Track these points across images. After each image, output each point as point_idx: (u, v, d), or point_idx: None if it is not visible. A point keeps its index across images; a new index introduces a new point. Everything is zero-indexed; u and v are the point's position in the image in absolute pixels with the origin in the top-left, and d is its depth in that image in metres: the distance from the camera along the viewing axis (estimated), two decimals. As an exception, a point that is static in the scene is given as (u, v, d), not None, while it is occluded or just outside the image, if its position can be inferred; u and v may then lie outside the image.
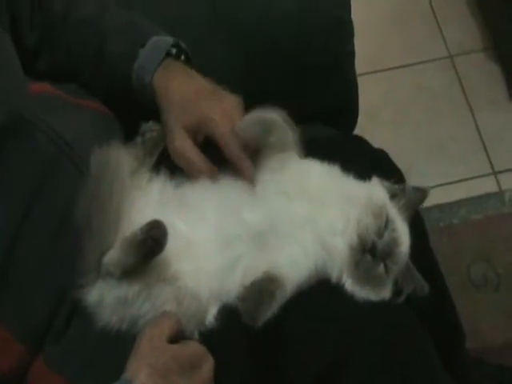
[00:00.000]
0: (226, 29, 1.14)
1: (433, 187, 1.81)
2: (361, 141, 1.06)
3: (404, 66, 2.09)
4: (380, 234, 0.84)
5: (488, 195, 1.77)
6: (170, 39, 1.01)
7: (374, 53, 2.11)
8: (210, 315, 0.83)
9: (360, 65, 2.07)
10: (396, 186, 0.90)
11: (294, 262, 0.82)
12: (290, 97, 1.06)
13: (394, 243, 0.85)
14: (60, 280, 0.82)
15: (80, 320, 0.82)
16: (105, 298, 0.81)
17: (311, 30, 1.13)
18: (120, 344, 0.81)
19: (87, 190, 0.82)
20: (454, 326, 1.12)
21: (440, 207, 1.77)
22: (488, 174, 1.85)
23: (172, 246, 0.80)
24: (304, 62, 1.14)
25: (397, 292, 0.87)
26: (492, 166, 1.86)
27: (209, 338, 0.83)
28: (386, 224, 0.85)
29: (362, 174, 0.91)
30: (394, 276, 0.86)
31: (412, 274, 0.88)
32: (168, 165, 0.92)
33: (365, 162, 0.96)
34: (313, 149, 0.93)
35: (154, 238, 0.77)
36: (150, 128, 0.92)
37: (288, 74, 1.14)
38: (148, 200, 0.88)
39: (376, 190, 0.89)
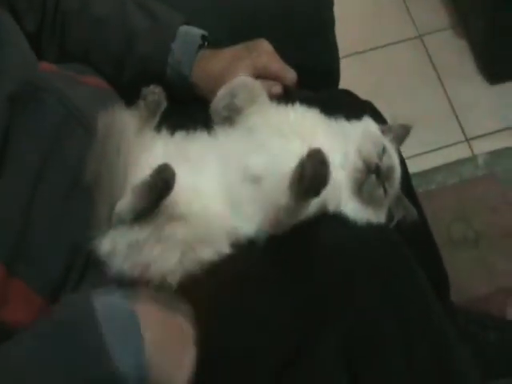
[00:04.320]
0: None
1: (410, 157, 1.92)
2: (347, 93, 1.14)
3: (377, 48, 2.19)
4: (381, 158, 0.93)
5: (462, 160, 1.86)
6: (196, 31, 1.11)
7: (351, 37, 2.20)
8: (220, 254, 0.88)
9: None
10: (384, 125, 1.00)
11: None
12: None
13: (391, 167, 0.94)
14: (74, 235, 0.88)
15: (94, 270, 0.87)
16: (117, 245, 0.85)
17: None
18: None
19: (96, 149, 0.88)
20: (442, 276, 1.20)
21: (418, 175, 1.85)
22: (461, 142, 1.94)
23: (179, 192, 0.85)
24: (288, 27, 1.23)
25: (389, 217, 0.95)
26: (464, 134, 1.96)
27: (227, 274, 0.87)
28: (384, 151, 0.94)
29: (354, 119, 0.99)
30: (390, 198, 0.94)
31: (402, 200, 0.96)
32: (169, 124, 0.98)
33: (352, 112, 1.03)
34: (306, 102, 1.00)
35: (163, 179, 0.82)
36: (151, 91, 0.96)
37: (272, 39, 1.20)
38: (152, 156, 0.92)
39: (370, 124, 0.98)
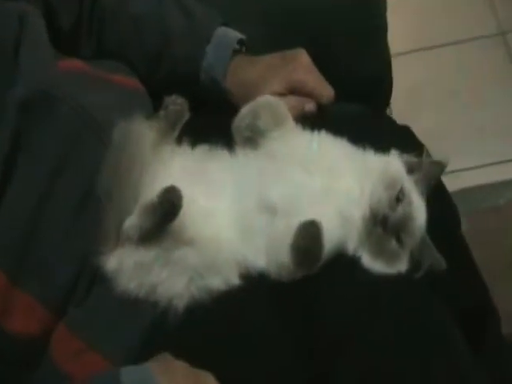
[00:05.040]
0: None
1: (477, 168, 1.81)
2: (383, 117, 1.07)
3: (450, 44, 2.06)
4: (393, 207, 0.84)
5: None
6: (232, 34, 1.07)
7: (419, 29, 2.09)
8: (228, 283, 0.84)
9: (403, 42, 2.07)
10: (415, 160, 0.90)
11: None
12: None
13: (408, 217, 0.84)
14: (82, 248, 0.86)
15: (101, 286, 0.85)
16: (124, 263, 0.83)
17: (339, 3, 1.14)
18: (139, 311, 0.83)
19: (109, 162, 0.86)
20: (487, 309, 1.10)
21: (486, 187, 1.75)
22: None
23: (190, 215, 0.83)
24: (331, 36, 1.16)
25: (415, 267, 0.86)
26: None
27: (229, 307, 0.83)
28: (401, 197, 0.85)
29: (384, 150, 0.91)
30: (409, 249, 0.86)
31: (429, 249, 0.87)
32: (191, 137, 0.94)
33: (387, 137, 0.97)
34: (334, 126, 0.95)
35: (169, 202, 0.80)
36: (173, 101, 0.92)
37: (315, 48, 1.14)
38: (169, 173, 0.89)
39: (392, 162, 0.89)
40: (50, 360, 0.86)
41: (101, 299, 0.86)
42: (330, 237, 0.82)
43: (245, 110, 0.92)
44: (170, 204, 0.80)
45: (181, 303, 0.83)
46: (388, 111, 1.39)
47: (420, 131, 1.89)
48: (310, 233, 0.78)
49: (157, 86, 1.08)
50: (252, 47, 1.10)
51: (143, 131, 0.89)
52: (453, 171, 1.83)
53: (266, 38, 1.18)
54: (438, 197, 0.99)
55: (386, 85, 1.24)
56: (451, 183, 1.77)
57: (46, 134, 0.87)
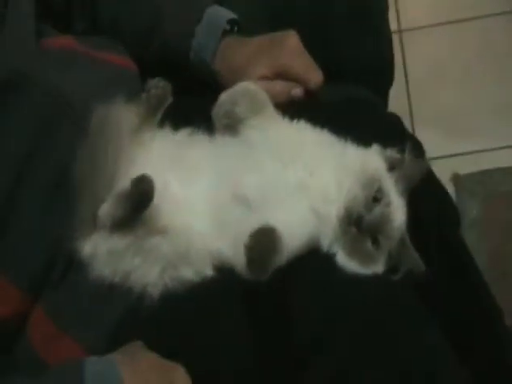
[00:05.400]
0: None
1: (498, 149, 1.76)
2: (373, 105, 1.03)
3: (473, 19, 1.99)
4: (368, 207, 0.81)
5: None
6: (223, 14, 1.04)
7: (442, 3, 2.02)
8: (200, 275, 0.83)
9: (425, 16, 2.01)
10: (397, 156, 0.86)
11: (285, 228, 0.80)
12: (318, 52, 1.03)
13: (384, 218, 0.81)
14: (58, 231, 0.85)
15: (76, 270, 0.85)
16: (98, 250, 0.83)
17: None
18: (113, 297, 0.83)
19: (85, 146, 0.85)
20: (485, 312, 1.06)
21: (503, 170, 1.70)
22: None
23: (163, 202, 0.82)
24: (330, 17, 1.12)
25: (393, 268, 0.84)
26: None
27: (202, 298, 0.83)
28: (379, 197, 0.82)
29: (368, 141, 0.88)
30: (386, 251, 0.83)
31: (408, 250, 0.84)
32: (175, 120, 0.92)
33: (374, 127, 0.93)
34: (320, 112, 0.93)
35: (140, 192, 0.79)
36: (155, 84, 0.91)
37: (314, 28, 1.11)
38: (148, 157, 0.88)
39: (372, 159, 0.85)
40: (28, 344, 0.86)
41: (76, 284, 0.85)
42: (301, 233, 0.80)
43: (223, 97, 0.90)
44: (141, 194, 0.79)
45: (155, 291, 0.82)
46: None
47: (440, 107, 1.87)
48: (262, 241, 0.76)
49: (149, 63, 1.06)
50: (248, 26, 1.07)
51: (122, 115, 0.88)
52: (472, 152, 1.80)
53: (266, 18, 1.15)
54: (432, 194, 0.96)
55: (388, 69, 1.19)
56: (470, 165, 1.75)
57: (16, 118, 0.86)
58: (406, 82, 1.93)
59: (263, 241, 0.76)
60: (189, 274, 0.82)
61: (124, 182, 0.82)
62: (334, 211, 0.82)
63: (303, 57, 1.00)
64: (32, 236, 0.86)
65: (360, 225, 0.81)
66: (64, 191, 0.85)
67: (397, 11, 2.03)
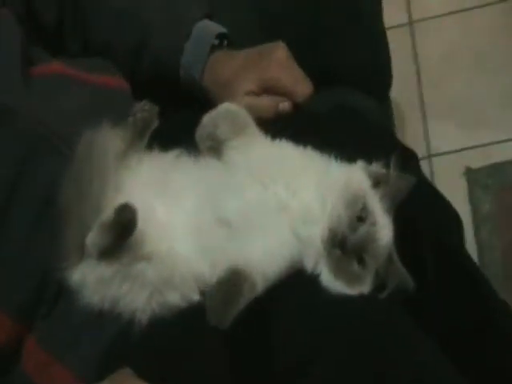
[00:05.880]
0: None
1: (510, 140, 1.73)
2: (359, 114, 1.01)
3: (484, 6, 1.95)
4: (353, 227, 0.80)
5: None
6: (212, 29, 1.04)
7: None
8: (186, 300, 0.83)
9: (436, 5, 1.97)
10: (383, 172, 0.85)
11: (267, 252, 0.80)
12: (307, 58, 1.04)
13: (370, 238, 0.80)
14: (45, 259, 0.85)
15: (66, 298, 0.86)
16: (86, 278, 0.83)
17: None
18: (103, 324, 0.84)
19: (70, 173, 0.85)
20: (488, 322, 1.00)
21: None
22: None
23: (148, 228, 0.82)
24: (320, 20, 1.11)
25: (380, 286, 0.83)
26: None
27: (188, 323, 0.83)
28: (364, 216, 0.81)
29: (355, 152, 0.87)
30: (373, 270, 0.82)
31: (396, 268, 0.83)
32: (161, 142, 0.92)
33: (360, 138, 0.93)
34: (308, 125, 0.92)
35: (123, 220, 0.79)
36: (141, 108, 0.91)
37: (303, 34, 1.11)
38: (134, 182, 0.88)
39: (356, 176, 0.84)
40: (23, 370, 0.87)
41: (66, 312, 0.86)
42: (281, 257, 0.80)
43: (205, 119, 0.89)
44: (124, 222, 0.79)
45: (144, 317, 0.83)
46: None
47: (452, 99, 1.84)
48: (224, 291, 0.77)
49: (142, 81, 1.07)
50: (239, 37, 1.07)
51: (108, 141, 0.88)
52: (484, 145, 1.76)
53: (258, 25, 1.14)
54: (430, 202, 0.95)
55: (383, 71, 1.18)
56: (481, 157, 1.72)
57: (1, 150, 0.87)
58: (418, 74, 1.91)
59: (225, 290, 0.77)
60: (175, 298, 0.83)
61: (110, 209, 0.83)
62: (317, 231, 0.81)
63: (291, 69, 0.99)
64: (19, 266, 0.87)
65: (344, 246, 0.80)
66: (50, 220, 0.86)
67: (408, 3, 2.00)
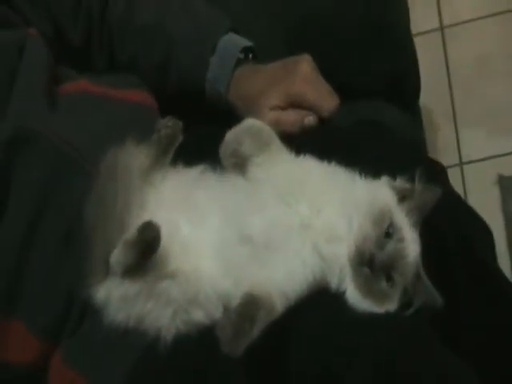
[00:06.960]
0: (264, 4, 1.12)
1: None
2: (384, 128, 1.01)
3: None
4: (381, 245, 0.79)
5: None
6: (238, 43, 1.04)
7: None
8: (212, 317, 0.82)
9: (469, 9, 1.95)
10: (407, 186, 0.83)
11: (288, 272, 0.79)
12: (332, 71, 1.03)
13: (398, 255, 0.79)
14: (72, 280, 0.87)
15: (91, 317, 0.86)
16: (111, 296, 0.83)
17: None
18: (128, 342, 0.84)
19: (95, 192, 0.85)
20: None
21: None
22: None
23: (172, 245, 0.82)
24: (343, 33, 1.11)
25: (406, 304, 0.81)
26: None
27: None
28: (391, 232, 0.80)
29: (380, 167, 0.86)
30: (401, 288, 0.81)
31: (424, 284, 0.81)
32: (186, 158, 0.92)
33: (385, 152, 0.92)
34: (333, 139, 0.91)
35: (147, 239, 0.79)
36: (165, 124, 0.91)
37: (328, 46, 1.10)
38: (159, 199, 0.88)
39: (381, 192, 0.83)
40: None
41: (91, 330, 0.87)
42: (303, 276, 0.79)
43: (229, 136, 0.88)
44: (147, 241, 0.79)
45: (169, 334, 0.83)
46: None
47: (484, 105, 1.81)
48: (237, 322, 0.76)
49: (169, 95, 1.08)
50: (263, 49, 1.07)
51: (133, 158, 0.88)
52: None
53: (282, 38, 1.14)
54: (456, 213, 0.93)
55: (412, 82, 1.16)
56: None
57: (27, 172, 0.88)
58: (449, 81, 1.88)
59: (236, 322, 0.76)
60: (200, 316, 0.82)
61: (134, 227, 0.83)
62: (341, 249, 0.80)
63: (317, 83, 0.98)
64: (45, 287, 0.88)
65: (373, 264, 0.79)
66: (76, 239, 0.87)
67: (438, 8, 1.98)
